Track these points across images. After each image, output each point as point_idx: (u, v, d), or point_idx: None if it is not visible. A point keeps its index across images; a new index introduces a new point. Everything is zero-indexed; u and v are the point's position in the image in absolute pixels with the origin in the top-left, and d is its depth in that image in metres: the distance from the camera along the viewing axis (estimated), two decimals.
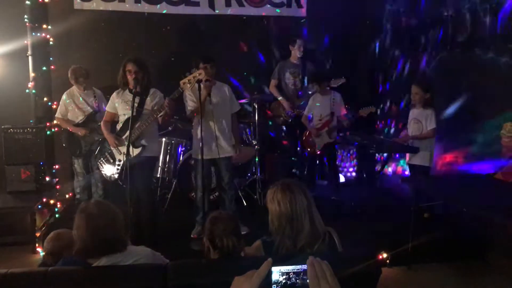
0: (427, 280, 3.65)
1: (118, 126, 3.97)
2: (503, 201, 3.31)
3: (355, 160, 6.41)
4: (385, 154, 5.79)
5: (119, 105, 3.91)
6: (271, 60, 6.12)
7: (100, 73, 5.18)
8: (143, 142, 3.84)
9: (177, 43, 5.99)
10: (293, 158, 5.97)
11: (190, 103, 4.14)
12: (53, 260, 2.34)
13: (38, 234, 4.27)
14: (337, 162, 5.75)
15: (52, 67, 5.39)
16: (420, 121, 4.38)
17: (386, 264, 3.71)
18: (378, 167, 6.24)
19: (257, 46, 6.19)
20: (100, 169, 4.14)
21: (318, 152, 5.26)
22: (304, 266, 1.01)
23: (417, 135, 4.40)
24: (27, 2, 5.05)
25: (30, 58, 5.15)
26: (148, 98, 3.87)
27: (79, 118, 4.74)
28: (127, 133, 3.67)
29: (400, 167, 5.94)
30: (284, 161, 5.93)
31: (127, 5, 5.73)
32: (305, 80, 5.67)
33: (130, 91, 3.80)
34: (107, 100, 4.27)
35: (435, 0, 5.05)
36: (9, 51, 5.21)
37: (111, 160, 4.03)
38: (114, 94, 3.97)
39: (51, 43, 5.38)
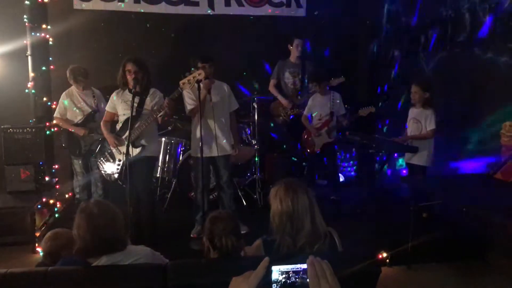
0: (427, 280, 3.65)
1: (118, 126, 3.97)
2: (503, 201, 3.31)
3: (354, 160, 6.42)
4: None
5: (119, 105, 3.91)
6: (270, 60, 6.12)
7: (99, 73, 5.18)
8: (143, 142, 3.84)
9: (177, 43, 5.99)
10: (293, 158, 5.97)
11: (190, 102, 4.14)
12: (51, 259, 2.34)
13: (38, 234, 4.26)
14: (336, 162, 5.75)
15: (52, 67, 5.39)
16: (419, 121, 4.38)
17: (386, 263, 3.71)
18: (377, 167, 6.24)
19: (257, 46, 6.19)
20: (100, 168, 4.14)
21: (318, 152, 5.26)
22: (304, 266, 1.02)
23: (416, 135, 4.40)
24: (27, 2, 5.04)
25: (29, 58, 5.13)
26: (148, 98, 3.87)
27: (78, 118, 4.74)
28: (127, 133, 3.67)
29: (399, 167, 5.94)
30: (283, 161, 5.92)
31: (127, 5, 5.74)
32: (305, 80, 5.67)
33: (130, 91, 3.80)
34: (106, 100, 4.27)
35: (435, 0, 5.05)
36: (8, 51, 5.21)
37: (111, 160, 4.03)
38: (114, 94, 3.98)
39: (50, 43, 5.37)
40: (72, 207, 4.36)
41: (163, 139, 5.22)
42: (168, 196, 5.19)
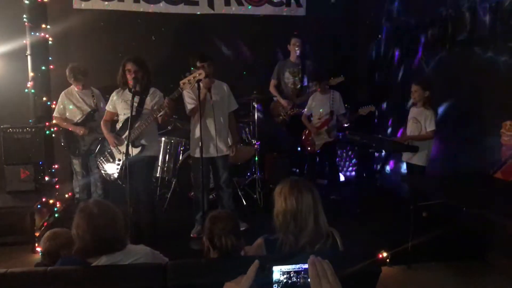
0: (427, 280, 3.65)
1: (118, 126, 3.97)
2: (503, 201, 3.30)
3: (354, 159, 6.42)
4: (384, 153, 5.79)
5: (119, 105, 3.90)
6: (270, 59, 6.12)
7: (99, 72, 5.18)
8: (142, 141, 3.84)
9: (177, 43, 5.99)
10: (293, 158, 5.96)
11: (190, 101, 4.14)
12: (50, 259, 2.33)
13: (37, 234, 4.26)
14: (336, 161, 5.75)
15: (51, 66, 5.39)
16: (419, 121, 4.37)
17: (386, 263, 3.71)
18: (377, 166, 6.25)
19: (257, 45, 6.19)
20: (100, 168, 4.14)
21: (318, 151, 5.26)
22: (305, 265, 1.01)
23: (416, 135, 4.39)
24: (26, 2, 5.04)
25: (29, 58, 5.14)
26: (148, 98, 3.87)
27: (78, 117, 4.73)
28: (127, 132, 3.67)
29: (399, 166, 5.93)
30: (283, 160, 5.93)
31: (126, 5, 5.73)
32: (305, 79, 5.67)
33: (130, 90, 3.80)
34: (106, 99, 4.26)
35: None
36: (8, 50, 5.22)
37: (111, 160, 4.03)
38: (114, 93, 3.97)
39: (50, 42, 5.38)
40: (72, 207, 4.36)
41: (163, 138, 5.22)
42: (168, 196, 5.19)
